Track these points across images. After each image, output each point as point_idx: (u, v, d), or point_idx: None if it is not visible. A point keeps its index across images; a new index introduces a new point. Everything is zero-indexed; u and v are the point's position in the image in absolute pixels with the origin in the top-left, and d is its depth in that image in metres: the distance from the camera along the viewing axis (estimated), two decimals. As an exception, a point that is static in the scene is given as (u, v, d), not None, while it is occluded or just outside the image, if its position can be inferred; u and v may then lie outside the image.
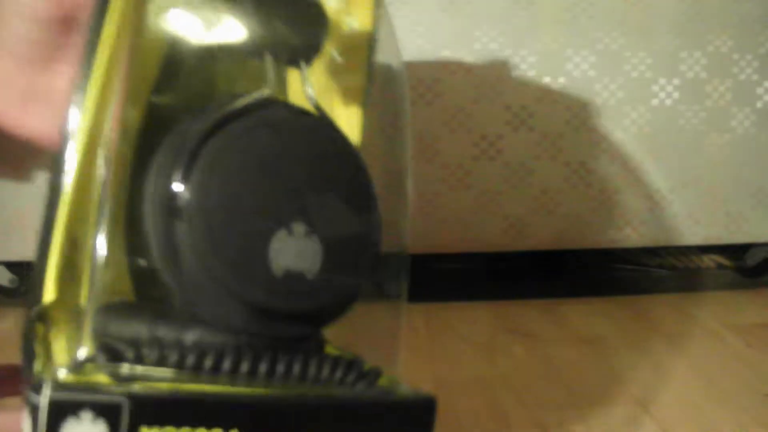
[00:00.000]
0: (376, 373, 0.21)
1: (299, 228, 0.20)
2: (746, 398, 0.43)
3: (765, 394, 0.44)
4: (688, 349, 0.51)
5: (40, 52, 0.27)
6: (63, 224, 0.21)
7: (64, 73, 0.28)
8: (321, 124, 0.21)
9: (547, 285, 0.68)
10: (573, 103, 0.57)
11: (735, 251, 0.69)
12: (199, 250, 0.19)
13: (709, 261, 0.73)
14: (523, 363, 0.49)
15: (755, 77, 0.58)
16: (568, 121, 0.57)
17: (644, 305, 0.61)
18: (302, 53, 0.22)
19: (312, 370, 0.20)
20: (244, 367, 0.19)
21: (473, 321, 0.58)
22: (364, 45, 0.26)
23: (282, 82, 0.23)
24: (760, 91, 0.58)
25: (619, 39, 0.56)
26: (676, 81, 0.57)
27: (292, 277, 0.20)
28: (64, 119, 0.23)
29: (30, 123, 0.27)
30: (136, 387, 0.18)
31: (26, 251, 0.59)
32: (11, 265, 0.64)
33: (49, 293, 0.21)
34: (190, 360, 0.19)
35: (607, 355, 0.50)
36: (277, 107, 0.21)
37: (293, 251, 0.20)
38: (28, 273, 0.65)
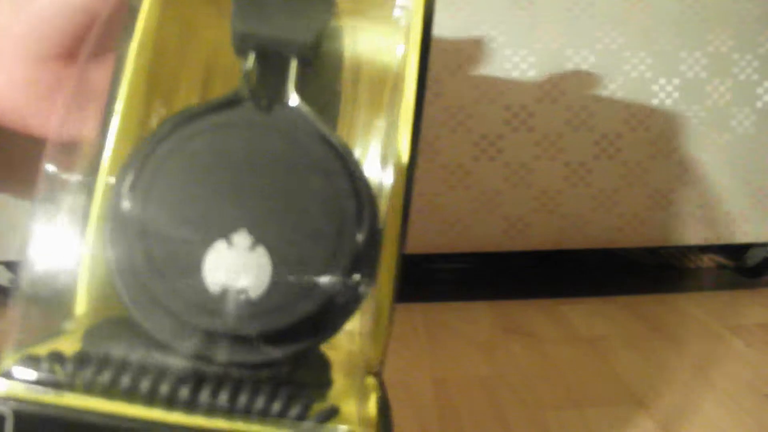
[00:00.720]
0: (326, 414, 0.19)
1: (242, 239, 0.18)
2: (746, 398, 0.43)
3: (765, 394, 0.44)
4: (688, 349, 0.51)
5: (63, 46, 0.27)
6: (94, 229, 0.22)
7: (96, 72, 0.28)
8: (292, 122, 0.19)
9: (547, 285, 0.68)
10: (573, 103, 0.57)
11: (735, 251, 0.69)
12: (136, 262, 0.18)
13: (709, 261, 0.73)
14: (523, 363, 0.49)
15: (755, 77, 0.58)
16: (568, 121, 0.57)
17: (644, 305, 0.61)
18: (292, 51, 0.20)
19: (242, 400, 0.18)
20: (163, 390, 0.18)
21: (473, 321, 0.58)
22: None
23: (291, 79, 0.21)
24: (760, 91, 0.58)
25: (619, 39, 0.56)
26: (676, 81, 0.57)
27: (233, 296, 0.18)
28: (101, 124, 0.23)
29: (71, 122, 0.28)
30: (27, 401, 0.18)
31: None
32: (11, 265, 0.64)
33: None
34: (105, 378, 0.18)
35: (607, 355, 0.50)
36: (243, 107, 0.19)
37: (233, 265, 0.18)
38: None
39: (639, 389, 0.45)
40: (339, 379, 0.21)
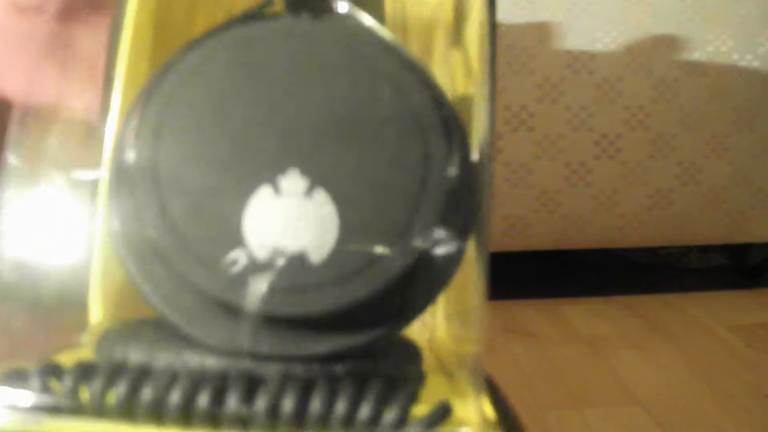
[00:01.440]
0: (437, 414, 0.13)
1: (293, 182, 0.13)
2: (746, 398, 0.43)
3: (765, 395, 0.44)
4: (688, 349, 0.51)
5: (49, 2, 0.26)
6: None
7: (83, 36, 0.27)
8: (348, 30, 0.14)
9: (547, 285, 0.68)
10: (573, 102, 0.57)
11: (735, 251, 0.69)
12: (150, 228, 0.13)
13: (709, 261, 0.73)
14: (523, 363, 0.49)
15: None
16: (568, 121, 0.57)
17: (644, 305, 0.61)
18: None
19: (315, 406, 0.13)
20: (202, 402, 0.13)
21: (473, 321, 0.58)
22: None
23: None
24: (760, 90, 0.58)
25: (619, 39, 0.56)
26: (676, 81, 0.57)
27: (288, 262, 0.12)
28: (101, 104, 0.18)
29: (40, 85, 0.27)
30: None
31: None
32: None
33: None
34: (119, 392, 0.13)
35: (607, 355, 0.50)
36: (278, 19, 0.14)
37: (284, 219, 0.13)
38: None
39: (639, 389, 0.45)
40: (436, 376, 0.16)
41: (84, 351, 0.16)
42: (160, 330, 0.14)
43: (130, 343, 0.14)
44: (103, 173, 0.17)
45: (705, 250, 0.73)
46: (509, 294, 0.64)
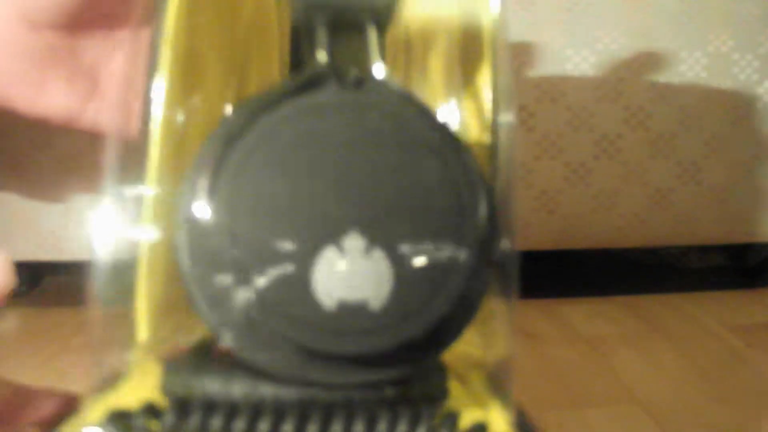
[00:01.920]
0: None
1: (355, 242, 0.15)
2: (746, 398, 0.43)
3: (766, 395, 0.44)
4: (688, 349, 0.51)
5: (63, 14, 0.25)
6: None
7: (88, 48, 0.27)
8: (389, 99, 0.16)
9: (547, 285, 0.68)
10: (573, 103, 0.57)
11: (735, 251, 0.69)
12: (227, 284, 0.15)
13: (709, 261, 0.73)
14: (523, 363, 0.49)
15: (755, 77, 0.58)
16: (569, 121, 0.57)
17: (644, 305, 0.61)
18: (368, 16, 0.16)
19: (381, 429, 0.16)
20: (287, 430, 0.15)
21: (473, 321, 0.58)
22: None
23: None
24: (760, 91, 0.58)
25: (619, 39, 0.56)
26: (676, 81, 0.57)
27: (350, 310, 0.15)
28: (141, 121, 0.19)
29: (48, 97, 0.26)
30: None
31: (27, 251, 0.59)
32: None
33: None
34: (215, 426, 0.15)
35: (607, 355, 0.50)
36: (327, 87, 0.15)
37: (348, 275, 0.15)
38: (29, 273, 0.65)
39: (639, 389, 0.45)
40: (455, 386, 0.18)
41: (139, 376, 0.17)
42: (228, 363, 0.16)
43: (204, 377, 0.16)
44: (145, 190, 0.18)
45: (705, 250, 0.73)
46: (509, 294, 0.64)
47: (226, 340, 0.15)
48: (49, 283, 0.68)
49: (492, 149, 0.20)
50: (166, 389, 0.16)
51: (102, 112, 0.26)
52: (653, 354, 0.50)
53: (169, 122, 0.19)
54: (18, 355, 0.52)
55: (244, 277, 0.14)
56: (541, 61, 0.56)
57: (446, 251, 0.15)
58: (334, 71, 0.16)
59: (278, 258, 0.15)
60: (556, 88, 0.57)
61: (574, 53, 0.56)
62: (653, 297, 0.63)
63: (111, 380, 0.17)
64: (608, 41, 0.56)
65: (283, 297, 0.15)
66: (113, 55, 0.27)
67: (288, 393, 0.16)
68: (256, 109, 0.15)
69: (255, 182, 0.15)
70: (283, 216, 0.15)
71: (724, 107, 0.58)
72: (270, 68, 0.20)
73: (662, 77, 0.57)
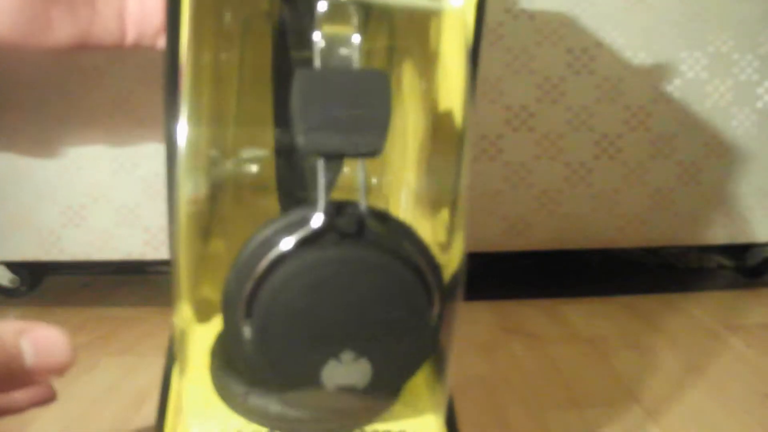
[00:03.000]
0: None
1: (348, 356, 0.22)
2: (747, 398, 0.43)
3: (765, 394, 0.44)
4: (688, 349, 0.51)
5: None
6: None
7: None
8: (386, 262, 0.22)
9: (547, 285, 0.68)
10: (573, 102, 0.57)
11: (735, 251, 0.69)
12: (261, 364, 0.22)
13: (709, 261, 0.73)
14: (523, 363, 0.49)
15: (755, 77, 0.58)
16: (569, 121, 0.57)
17: (644, 305, 0.61)
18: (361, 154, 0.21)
19: None
20: None
21: (473, 321, 0.58)
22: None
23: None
24: (760, 91, 0.58)
25: (620, 39, 0.56)
26: (676, 81, 0.57)
27: (344, 390, 0.23)
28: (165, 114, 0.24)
29: (56, 30, 0.28)
30: None
31: (26, 251, 0.59)
32: (11, 265, 0.64)
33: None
34: None
35: (607, 355, 0.50)
36: (344, 244, 0.22)
37: (343, 373, 0.23)
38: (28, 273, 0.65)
39: (639, 389, 0.45)
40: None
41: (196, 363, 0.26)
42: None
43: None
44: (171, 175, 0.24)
45: (705, 250, 0.73)
46: (509, 294, 0.64)
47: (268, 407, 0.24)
48: (49, 283, 0.68)
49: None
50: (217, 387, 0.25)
51: (104, 27, 0.29)
52: (653, 354, 0.50)
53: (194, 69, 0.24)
54: (18, 355, 0.52)
55: (278, 373, 0.23)
56: (540, 61, 0.56)
57: (407, 358, 0.24)
58: (334, 225, 0.22)
59: (300, 367, 0.23)
60: (556, 88, 0.57)
61: (575, 53, 0.56)
62: (653, 297, 0.63)
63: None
64: (609, 41, 0.56)
65: (301, 385, 0.23)
66: None
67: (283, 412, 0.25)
68: (279, 255, 0.21)
69: (283, 316, 0.22)
70: (302, 339, 0.22)
71: (724, 107, 0.58)
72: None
73: (662, 77, 0.57)
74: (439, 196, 0.27)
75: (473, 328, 0.56)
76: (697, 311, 0.59)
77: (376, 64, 0.28)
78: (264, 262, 0.21)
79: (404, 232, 0.23)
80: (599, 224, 0.60)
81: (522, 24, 0.55)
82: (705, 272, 0.72)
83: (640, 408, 0.42)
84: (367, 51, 0.24)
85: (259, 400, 0.24)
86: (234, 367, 0.25)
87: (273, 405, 0.24)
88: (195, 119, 0.23)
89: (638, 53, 0.56)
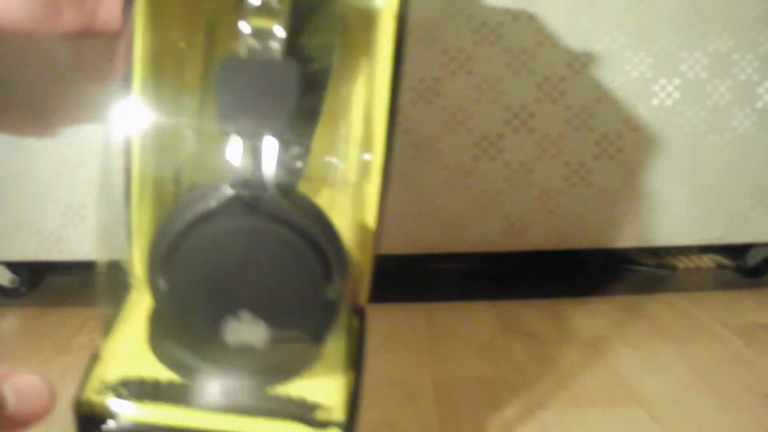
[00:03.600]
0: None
1: (245, 315, 0.25)
2: (746, 398, 0.43)
3: (765, 394, 0.44)
4: (688, 349, 0.51)
5: None
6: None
7: None
8: (281, 233, 0.24)
9: (547, 285, 0.68)
10: (573, 102, 0.57)
11: (735, 251, 0.69)
12: (172, 316, 0.25)
13: (709, 261, 0.73)
14: (523, 363, 0.49)
15: (755, 77, 0.58)
16: (569, 121, 0.57)
17: (644, 305, 0.61)
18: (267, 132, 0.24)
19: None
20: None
21: (473, 321, 0.58)
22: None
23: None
24: (760, 91, 0.58)
25: (620, 39, 0.56)
26: (676, 81, 0.57)
27: (244, 347, 0.25)
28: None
29: (64, 20, 0.29)
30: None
31: (26, 251, 0.59)
32: (11, 265, 0.64)
33: None
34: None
35: (607, 355, 0.50)
36: (246, 214, 0.24)
37: (242, 331, 0.25)
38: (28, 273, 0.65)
39: (639, 389, 0.45)
40: None
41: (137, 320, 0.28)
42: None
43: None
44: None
45: (705, 250, 0.73)
46: (509, 294, 0.64)
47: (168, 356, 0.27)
48: (49, 283, 0.68)
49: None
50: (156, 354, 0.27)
51: (109, 14, 0.31)
52: (653, 354, 0.50)
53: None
54: (18, 355, 0.52)
55: (186, 328, 0.25)
56: (540, 61, 0.56)
57: (301, 325, 0.25)
58: (240, 197, 0.24)
59: (203, 320, 0.25)
60: (556, 88, 0.57)
61: (575, 53, 0.56)
62: (653, 297, 0.63)
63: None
64: (609, 41, 0.56)
65: (207, 339, 0.25)
66: None
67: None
68: (193, 219, 0.24)
69: (192, 275, 0.24)
70: (206, 299, 0.25)
71: (724, 107, 0.58)
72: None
73: (662, 77, 0.57)
74: (359, 180, 0.29)
75: (473, 328, 0.56)
76: (697, 311, 0.59)
77: (325, 58, 0.30)
78: (177, 226, 0.24)
79: (309, 208, 0.25)
80: (599, 224, 0.60)
81: (522, 24, 0.55)
82: (705, 272, 0.72)
83: (640, 408, 0.42)
84: (319, 46, 0.28)
85: (175, 351, 0.26)
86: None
87: (186, 357, 0.26)
88: (150, 105, 0.26)
89: (638, 53, 0.56)
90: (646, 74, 0.57)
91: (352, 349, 0.28)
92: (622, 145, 0.58)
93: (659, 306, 0.61)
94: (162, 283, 0.25)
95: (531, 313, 0.59)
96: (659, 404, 0.43)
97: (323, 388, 0.27)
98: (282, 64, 0.24)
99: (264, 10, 0.24)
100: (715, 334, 0.54)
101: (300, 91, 0.24)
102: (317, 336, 0.26)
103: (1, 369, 0.24)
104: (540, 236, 0.60)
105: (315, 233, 0.24)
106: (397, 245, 0.60)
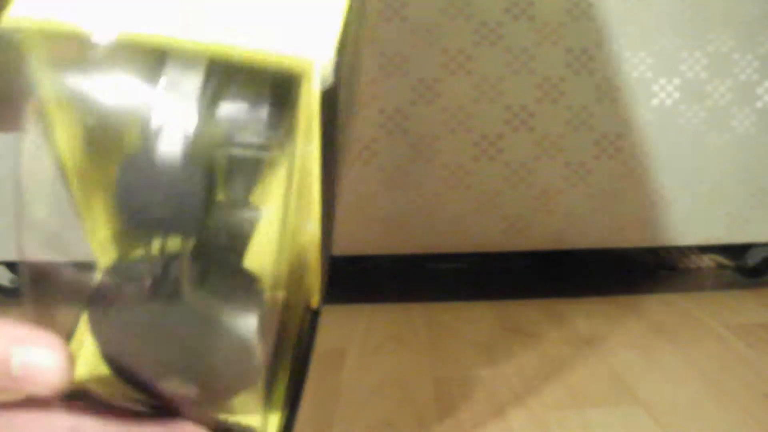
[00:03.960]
0: None
1: (174, 381, 0.25)
2: (746, 398, 0.43)
3: (765, 394, 0.44)
4: (688, 349, 0.51)
5: None
6: None
7: None
8: (195, 317, 0.24)
9: (547, 285, 0.68)
10: (573, 102, 0.57)
11: (735, 251, 0.69)
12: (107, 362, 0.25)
13: (709, 261, 0.73)
14: (523, 363, 0.49)
15: (755, 77, 0.58)
16: (569, 121, 0.57)
17: (644, 305, 0.61)
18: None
19: None
20: None
21: (473, 321, 0.58)
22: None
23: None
24: (760, 91, 0.58)
25: (620, 39, 0.56)
26: (676, 81, 0.57)
27: (176, 393, 0.25)
28: None
29: None
30: None
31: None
32: (11, 265, 0.64)
33: None
34: None
35: (607, 355, 0.50)
36: (163, 297, 0.24)
37: (174, 385, 0.25)
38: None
39: (639, 389, 0.45)
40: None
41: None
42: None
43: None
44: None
45: (705, 250, 0.73)
46: (509, 294, 0.64)
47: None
48: (49, 283, 0.68)
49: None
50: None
51: None
52: (653, 354, 0.50)
53: None
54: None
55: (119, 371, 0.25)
56: (540, 62, 0.56)
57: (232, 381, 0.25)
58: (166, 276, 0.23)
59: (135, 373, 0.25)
60: (556, 88, 0.57)
61: (575, 53, 0.56)
62: (653, 297, 0.63)
63: None
64: (609, 41, 0.56)
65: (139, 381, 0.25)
66: None
67: None
68: (119, 307, 0.24)
69: (112, 345, 0.25)
70: (133, 363, 0.25)
71: (724, 107, 0.58)
72: None
73: (662, 77, 0.57)
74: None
75: (473, 327, 0.56)
76: (697, 311, 0.59)
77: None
78: (98, 299, 0.25)
79: (230, 284, 0.25)
80: (599, 224, 0.61)
81: (522, 24, 0.55)
82: (705, 272, 0.72)
83: (640, 408, 0.42)
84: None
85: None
86: None
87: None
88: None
89: (638, 53, 0.56)
90: (646, 74, 0.57)
91: (292, 376, 0.28)
92: (622, 145, 0.58)
93: (659, 306, 0.61)
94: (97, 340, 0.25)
95: (531, 313, 0.59)
96: (659, 404, 0.43)
97: (259, 412, 0.27)
98: (188, 170, 0.22)
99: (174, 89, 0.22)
100: (715, 334, 0.54)
101: (207, 197, 0.22)
102: (246, 382, 0.25)
103: (23, 331, 0.24)
104: (540, 236, 0.60)
105: (232, 316, 0.24)
106: (397, 245, 0.60)
